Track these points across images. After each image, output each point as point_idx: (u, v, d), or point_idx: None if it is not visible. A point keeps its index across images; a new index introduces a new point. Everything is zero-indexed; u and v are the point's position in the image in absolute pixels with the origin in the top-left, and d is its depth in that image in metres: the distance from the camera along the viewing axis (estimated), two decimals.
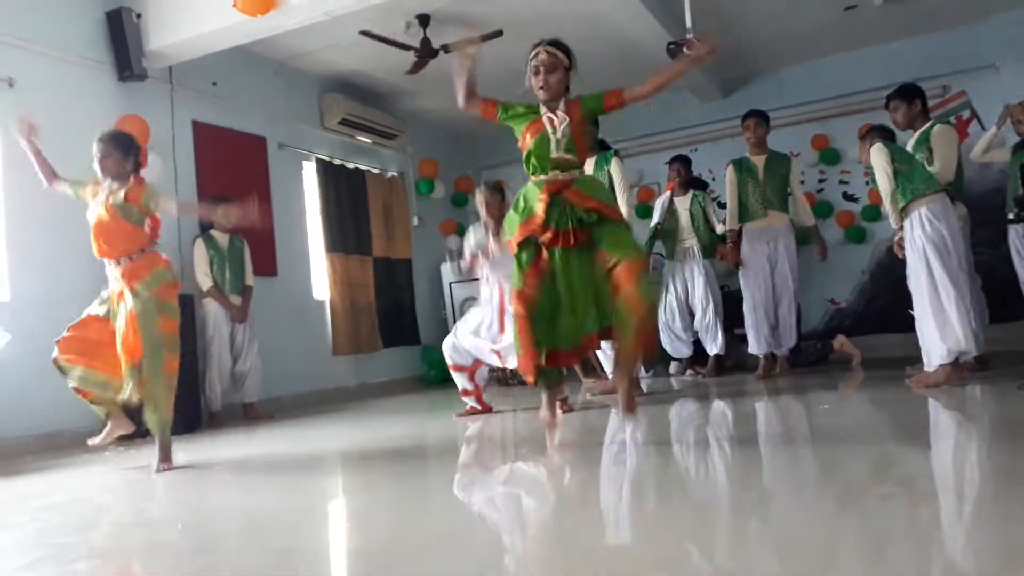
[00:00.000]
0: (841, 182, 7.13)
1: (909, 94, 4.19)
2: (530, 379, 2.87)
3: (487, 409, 4.28)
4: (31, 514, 2.58)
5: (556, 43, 3.01)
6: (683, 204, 5.66)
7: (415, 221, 7.72)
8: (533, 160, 2.92)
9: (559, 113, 2.92)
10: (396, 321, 7.16)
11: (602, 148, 4.69)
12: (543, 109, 2.94)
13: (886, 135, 4.42)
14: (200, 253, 5.08)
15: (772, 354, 5.17)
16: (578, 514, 2.09)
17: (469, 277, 4.18)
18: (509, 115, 2.99)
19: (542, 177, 2.89)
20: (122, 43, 4.86)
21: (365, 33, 5.40)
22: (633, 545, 1.74)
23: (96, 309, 3.29)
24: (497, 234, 4.17)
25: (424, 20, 5.54)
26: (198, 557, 1.92)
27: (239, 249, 5.26)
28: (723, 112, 7.46)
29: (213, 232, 5.16)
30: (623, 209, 4.38)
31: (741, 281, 5.19)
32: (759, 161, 5.15)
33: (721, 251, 5.46)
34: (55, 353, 3.19)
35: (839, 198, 7.12)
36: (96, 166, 3.28)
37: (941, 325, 3.72)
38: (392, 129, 7.20)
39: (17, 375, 4.06)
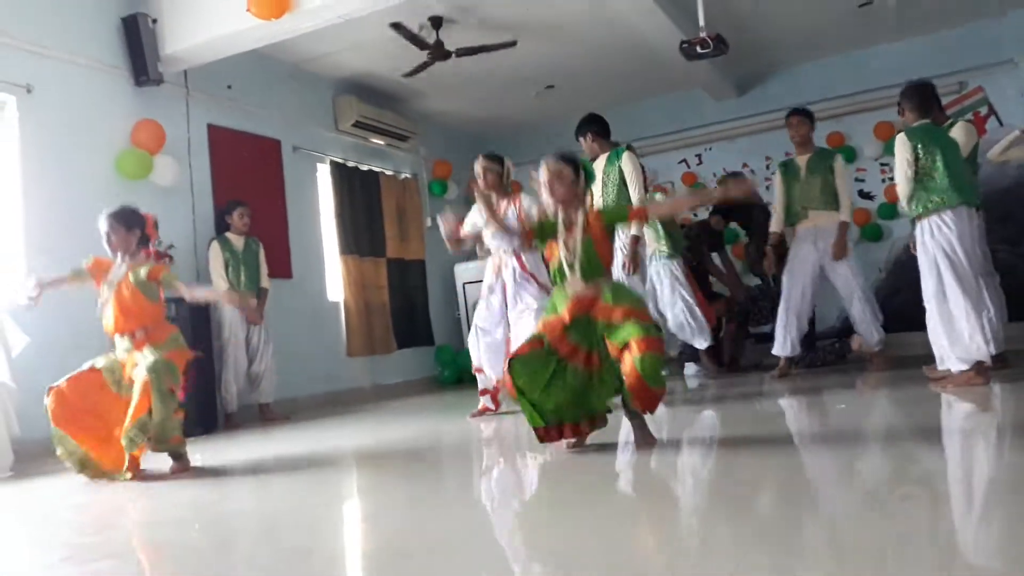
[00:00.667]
0: (857, 180, 7.07)
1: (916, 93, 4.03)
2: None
3: (496, 409, 4.28)
4: (52, 515, 2.61)
5: (562, 157, 2.91)
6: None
7: (428, 222, 7.73)
8: (555, 274, 2.90)
9: (575, 232, 2.81)
10: (410, 322, 7.18)
11: (614, 145, 4.67)
12: (560, 226, 2.85)
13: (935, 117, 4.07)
14: (215, 255, 5.12)
15: (790, 359, 5.06)
16: (591, 516, 2.09)
17: (454, 244, 3.93)
18: (540, 235, 2.93)
19: (564, 288, 2.82)
20: (138, 48, 4.91)
21: (396, 26, 5.32)
22: (647, 547, 1.74)
23: (100, 364, 3.26)
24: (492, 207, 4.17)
25: (437, 22, 5.55)
26: (216, 557, 1.93)
27: (254, 251, 5.29)
28: (737, 110, 7.43)
29: (228, 235, 5.20)
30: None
31: (783, 281, 5.10)
32: (802, 161, 5.02)
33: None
34: (48, 403, 3.13)
35: (855, 196, 7.03)
36: (104, 244, 3.32)
37: (950, 332, 3.67)
38: (405, 131, 7.22)
39: (37, 377, 4.08)
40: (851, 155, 7.06)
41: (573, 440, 2.88)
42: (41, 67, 4.49)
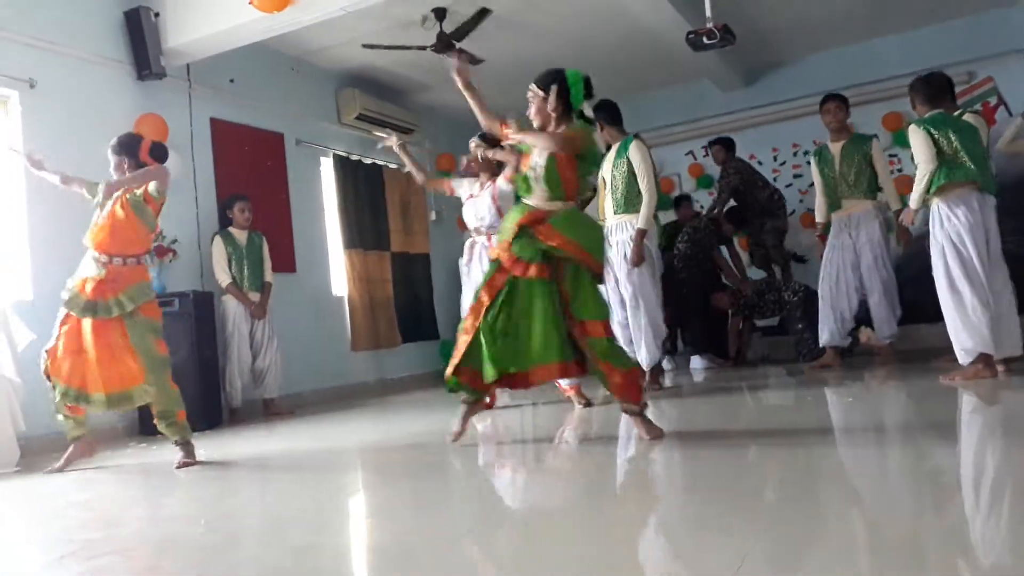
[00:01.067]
0: None
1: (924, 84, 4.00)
2: (448, 384, 2.97)
3: (490, 405, 4.21)
4: (57, 511, 2.60)
5: (540, 78, 3.13)
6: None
7: (433, 216, 7.71)
8: (521, 183, 2.99)
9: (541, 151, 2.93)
10: (414, 316, 7.16)
11: (624, 134, 4.62)
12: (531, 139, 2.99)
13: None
14: (219, 249, 5.10)
15: (837, 347, 4.99)
16: (598, 511, 2.07)
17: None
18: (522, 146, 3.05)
19: (524, 202, 2.95)
20: (140, 42, 4.88)
21: (368, 46, 5.38)
22: (652, 542, 1.72)
23: (65, 298, 3.34)
24: (482, 183, 4.25)
25: (440, 14, 5.51)
26: (221, 553, 1.92)
27: (258, 246, 5.28)
28: (745, 101, 7.38)
29: (232, 229, 5.18)
30: (644, 197, 4.31)
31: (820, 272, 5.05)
32: (836, 148, 4.93)
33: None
34: (44, 364, 3.28)
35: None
36: (112, 169, 3.43)
37: (955, 324, 3.66)
38: (408, 124, 7.18)
39: (41, 374, 4.09)
40: None
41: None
42: (44, 61, 4.47)
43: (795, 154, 7.29)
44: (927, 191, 3.76)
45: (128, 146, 3.42)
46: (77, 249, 4.48)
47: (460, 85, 3.17)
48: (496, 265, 2.92)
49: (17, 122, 4.36)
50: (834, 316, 4.91)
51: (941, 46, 6.49)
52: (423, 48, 5.58)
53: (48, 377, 3.31)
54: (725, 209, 6.26)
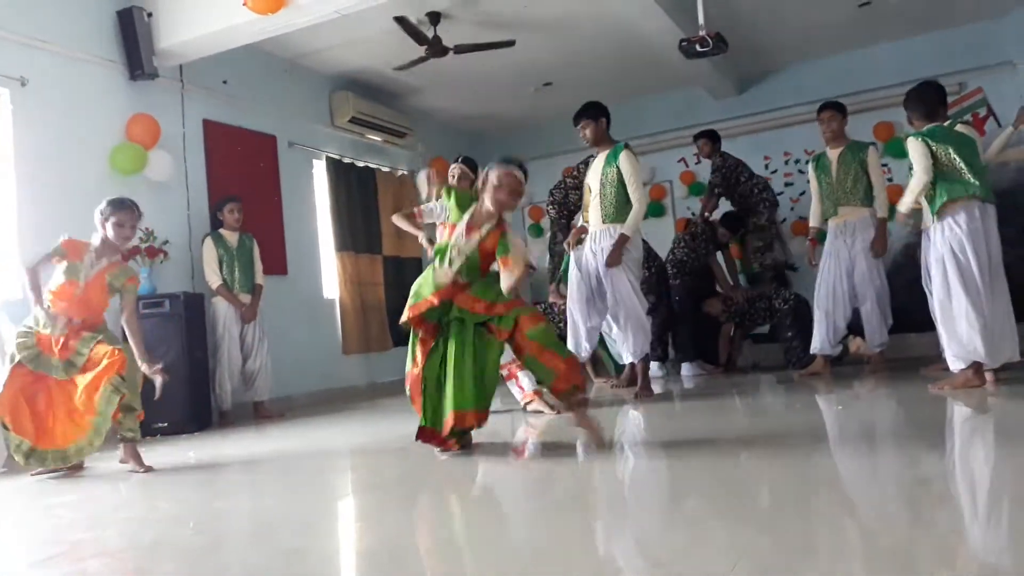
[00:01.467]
0: None
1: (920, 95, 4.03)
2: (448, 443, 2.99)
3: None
4: (44, 511, 2.58)
5: (524, 170, 3.02)
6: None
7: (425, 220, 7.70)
8: (436, 253, 3.01)
9: (473, 234, 2.92)
10: None
11: (613, 141, 4.62)
12: (466, 217, 2.95)
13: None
14: (209, 252, 5.08)
15: (827, 355, 5.00)
16: (588, 514, 2.07)
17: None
18: (449, 197, 3.03)
19: (440, 273, 2.94)
20: (133, 42, 4.87)
21: (400, 19, 5.26)
22: (645, 545, 1.72)
23: (19, 357, 3.26)
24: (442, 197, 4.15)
25: (435, 18, 5.52)
26: (209, 556, 1.90)
27: (249, 248, 5.26)
28: (738, 109, 7.42)
29: (222, 231, 5.16)
30: (634, 206, 4.29)
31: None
32: (833, 155, 4.95)
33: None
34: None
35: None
36: (110, 230, 3.34)
37: (950, 332, 3.68)
38: (402, 127, 7.18)
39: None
40: None
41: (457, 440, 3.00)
42: (36, 60, 4.45)
43: (787, 162, 7.33)
44: (924, 200, 3.78)
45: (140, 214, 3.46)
46: None
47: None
48: (417, 335, 3.04)
49: (8, 120, 4.33)
50: (827, 324, 4.92)
51: (932, 57, 6.55)
52: (433, 56, 5.58)
53: (4, 426, 3.23)
54: (721, 215, 6.25)
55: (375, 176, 7.08)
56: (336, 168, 6.64)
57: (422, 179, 4.27)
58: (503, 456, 3.08)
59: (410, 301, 3.00)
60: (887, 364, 5.03)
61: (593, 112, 4.44)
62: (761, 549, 1.56)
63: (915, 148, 3.80)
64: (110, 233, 3.34)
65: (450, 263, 2.91)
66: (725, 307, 5.85)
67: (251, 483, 2.91)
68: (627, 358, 4.51)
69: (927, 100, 3.98)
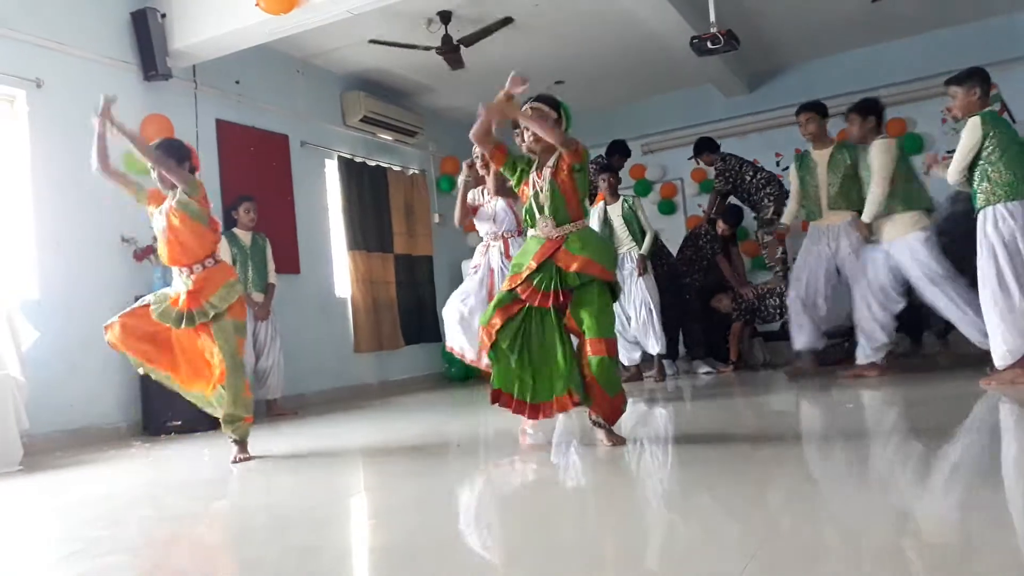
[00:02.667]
0: None
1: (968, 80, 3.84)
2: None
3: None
4: (61, 509, 2.61)
5: (542, 97, 3.07)
6: (615, 211, 5.47)
7: (436, 218, 7.73)
8: (526, 217, 2.99)
9: (545, 171, 2.93)
10: (418, 318, 7.17)
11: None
12: (534, 166, 2.99)
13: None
14: (223, 250, 5.10)
15: (813, 352, 4.94)
16: (598, 511, 2.07)
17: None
18: (510, 169, 3.05)
19: (536, 233, 2.94)
20: (147, 43, 4.90)
21: (375, 41, 5.38)
22: (659, 544, 1.72)
23: (148, 299, 3.36)
24: (485, 183, 4.23)
25: (446, 17, 5.53)
26: (225, 552, 1.93)
27: (262, 247, 5.29)
28: (748, 106, 7.39)
29: (236, 230, 5.20)
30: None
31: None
32: (820, 156, 4.77)
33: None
34: (108, 336, 3.29)
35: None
36: (155, 178, 3.36)
37: (998, 326, 3.60)
38: (413, 126, 7.20)
39: (47, 371, 4.11)
40: None
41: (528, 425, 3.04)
42: (51, 61, 4.49)
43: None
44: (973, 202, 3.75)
45: (186, 152, 3.44)
46: (83, 249, 4.53)
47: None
48: (511, 295, 2.92)
49: (23, 121, 4.38)
50: (809, 317, 4.78)
51: (944, 53, 6.49)
52: (428, 48, 5.59)
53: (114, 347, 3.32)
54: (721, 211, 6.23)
55: (387, 175, 7.10)
56: (348, 167, 6.67)
57: (461, 179, 4.35)
58: (514, 453, 3.10)
59: (510, 272, 3.00)
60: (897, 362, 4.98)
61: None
62: (772, 549, 1.56)
63: (971, 133, 3.65)
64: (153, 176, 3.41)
65: (540, 210, 2.90)
66: (735, 304, 5.83)
67: (264, 480, 2.94)
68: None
69: (986, 80, 3.82)
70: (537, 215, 2.93)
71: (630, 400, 3.13)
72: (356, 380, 6.40)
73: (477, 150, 4.21)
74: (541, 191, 2.91)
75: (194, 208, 3.28)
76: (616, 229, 5.41)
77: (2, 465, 3.49)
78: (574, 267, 2.82)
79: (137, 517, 2.43)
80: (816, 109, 4.86)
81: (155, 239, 4.59)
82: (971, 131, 3.68)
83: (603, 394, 2.82)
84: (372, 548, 1.94)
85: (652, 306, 5.28)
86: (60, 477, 3.28)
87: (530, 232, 3.00)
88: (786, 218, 5.08)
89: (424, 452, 3.32)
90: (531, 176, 2.96)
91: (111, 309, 4.58)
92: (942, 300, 4.25)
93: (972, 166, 3.71)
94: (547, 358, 2.90)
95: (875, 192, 4.39)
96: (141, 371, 3.39)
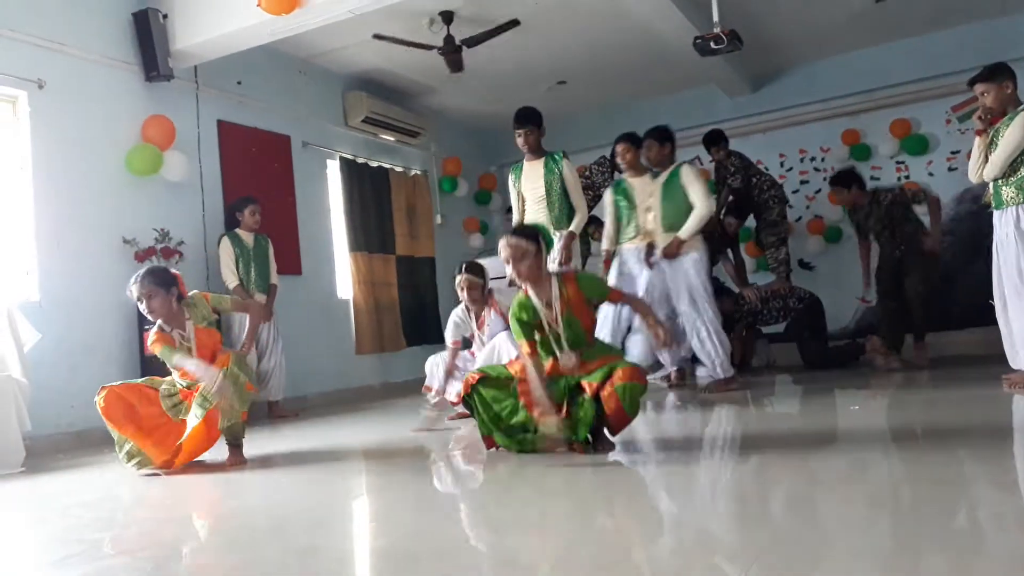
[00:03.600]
0: (872, 178, 6.99)
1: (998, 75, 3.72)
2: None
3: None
4: (63, 511, 2.60)
5: (519, 232, 2.89)
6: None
7: (438, 219, 7.72)
8: (541, 351, 2.86)
9: (554, 309, 2.80)
10: (419, 320, 7.16)
11: (544, 150, 4.62)
12: (536, 302, 2.83)
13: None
14: (226, 251, 5.10)
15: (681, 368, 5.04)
16: (599, 514, 2.06)
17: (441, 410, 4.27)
18: (528, 333, 2.86)
19: (565, 359, 2.82)
20: (148, 43, 4.90)
21: (379, 36, 5.36)
22: (658, 549, 1.70)
23: (158, 383, 3.30)
24: (479, 316, 4.32)
25: (448, 17, 5.52)
26: (225, 555, 1.91)
27: (264, 248, 5.28)
28: (752, 107, 7.38)
29: (239, 231, 5.19)
30: (579, 214, 4.50)
31: None
32: (637, 183, 4.70)
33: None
34: (99, 400, 3.18)
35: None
36: (144, 310, 3.22)
37: (1021, 328, 3.53)
38: (415, 127, 7.19)
39: (47, 373, 4.11)
40: (866, 152, 7.00)
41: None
42: (52, 62, 4.49)
43: (802, 160, 7.28)
44: (995, 190, 3.67)
45: (172, 278, 3.28)
46: (83, 250, 4.52)
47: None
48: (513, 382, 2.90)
49: (25, 122, 4.37)
50: (644, 339, 4.67)
51: (948, 53, 6.47)
52: (431, 48, 5.58)
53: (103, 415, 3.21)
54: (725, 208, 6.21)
55: (389, 176, 7.09)
56: (350, 168, 6.66)
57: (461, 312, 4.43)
58: (514, 458, 3.08)
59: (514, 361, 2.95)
60: (902, 364, 4.96)
61: (538, 119, 4.49)
62: (774, 553, 1.54)
63: (1021, 128, 3.51)
64: (147, 313, 3.24)
65: (560, 346, 2.81)
66: (738, 306, 5.81)
67: (266, 482, 2.93)
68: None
69: (1015, 76, 3.71)
70: (556, 350, 2.82)
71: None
72: (358, 382, 6.39)
73: (461, 281, 4.27)
74: (556, 327, 2.80)
75: (209, 322, 3.29)
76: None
77: (4, 467, 3.48)
78: (593, 367, 2.76)
79: (137, 519, 2.42)
80: (632, 141, 4.73)
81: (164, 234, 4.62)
82: (1018, 127, 3.52)
83: (622, 414, 2.70)
84: (373, 550, 1.93)
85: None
86: (61, 479, 3.27)
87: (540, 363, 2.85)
88: (607, 244, 4.87)
89: (425, 454, 3.30)
90: (542, 320, 2.82)
91: (112, 310, 4.60)
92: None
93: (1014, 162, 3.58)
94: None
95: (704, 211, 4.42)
96: (123, 454, 3.22)
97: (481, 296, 4.30)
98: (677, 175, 4.53)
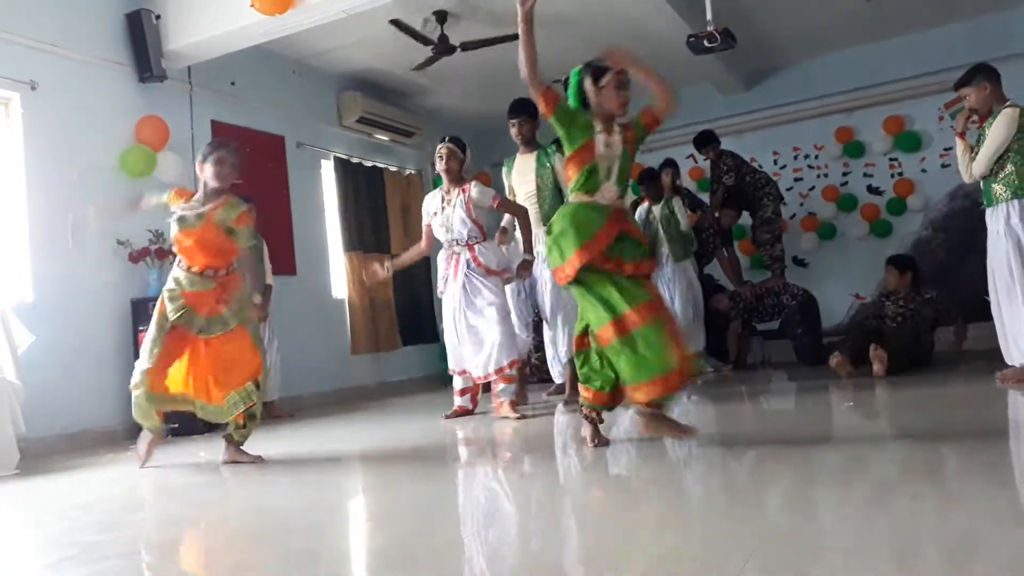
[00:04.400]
0: (866, 175, 7.02)
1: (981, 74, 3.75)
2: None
3: (470, 411, 4.26)
4: (58, 513, 2.59)
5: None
6: (655, 212, 5.57)
7: None
8: (589, 181, 2.70)
9: (615, 135, 2.72)
10: (415, 319, 7.15)
11: (537, 143, 4.51)
12: (598, 127, 2.73)
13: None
14: None
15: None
16: (597, 511, 2.06)
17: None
18: (567, 121, 2.75)
19: (594, 200, 2.68)
20: (142, 44, 4.88)
21: (395, 22, 5.30)
22: (659, 544, 1.71)
23: (171, 315, 3.20)
24: (448, 191, 4.06)
25: (441, 16, 5.52)
26: (222, 556, 1.91)
27: (258, 248, 5.26)
28: (746, 105, 7.39)
29: None
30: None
31: None
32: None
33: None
34: (144, 386, 3.18)
35: (864, 191, 7.01)
36: (209, 171, 3.17)
37: (1013, 325, 3.56)
38: (409, 127, 7.18)
39: (42, 375, 4.09)
40: (860, 150, 7.01)
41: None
42: (45, 64, 4.47)
43: (796, 157, 7.30)
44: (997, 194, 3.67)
45: (241, 159, 3.27)
46: (77, 252, 4.50)
47: (521, 16, 2.83)
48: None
49: (18, 124, 4.36)
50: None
51: (942, 49, 6.49)
52: (437, 44, 5.57)
53: (147, 394, 3.20)
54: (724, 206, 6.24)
55: (383, 176, 7.09)
56: (344, 168, 6.65)
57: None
58: (508, 456, 3.08)
59: (575, 245, 2.59)
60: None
61: (532, 110, 4.26)
62: (771, 549, 1.55)
63: (1006, 125, 3.56)
64: (208, 174, 3.16)
65: (607, 176, 2.68)
66: (732, 303, 5.83)
67: (262, 483, 2.92)
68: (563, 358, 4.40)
69: (994, 74, 3.74)
70: (602, 180, 2.68)
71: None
72: (353, 382, 6.39)
73: (442, 149, 4.07)
74: (614, 155, 2.70)
75: (235, 231, 3.22)
76: (658, 230, 5.56)
77: None
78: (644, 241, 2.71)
79: (133, 521, 2.41)
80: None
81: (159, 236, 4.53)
82: (1007, 123, 3.57)
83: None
84: (370, 550, 1.93)
85: (696, 305, 5.48)
86: (56, 481, 3.26)
87: (579, 198, 2.71)
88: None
89: (422, 453, 3.30)
90: (598, 137, 2.70)
91: (106, 312, 4.59)
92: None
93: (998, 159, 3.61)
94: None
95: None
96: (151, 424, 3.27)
97: (458, 171, 4.08)
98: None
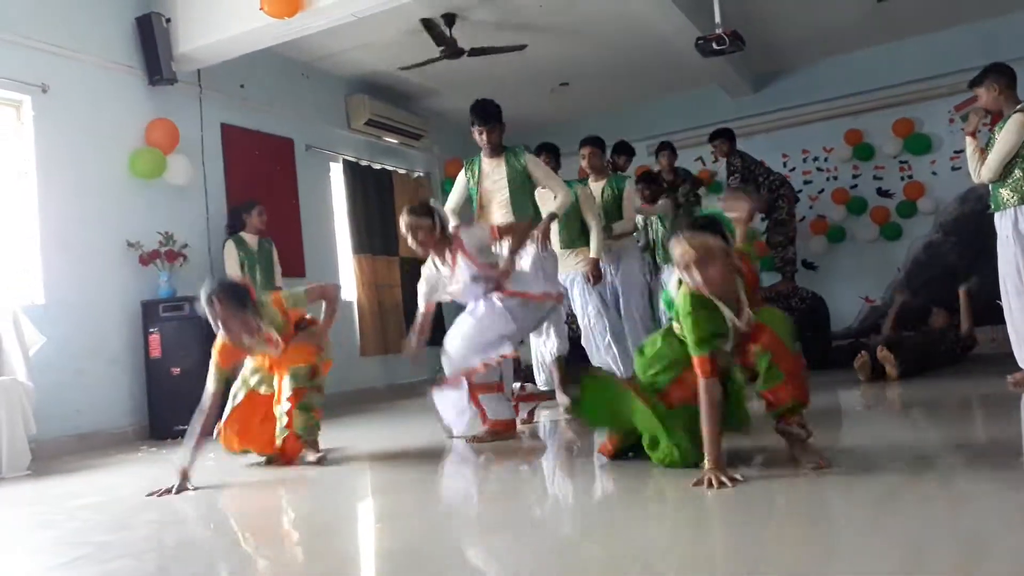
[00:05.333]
0: (875, 178, 7.00)
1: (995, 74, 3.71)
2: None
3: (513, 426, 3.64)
4: (69, 513, 2.61)
5: (700, 227, 2.23)
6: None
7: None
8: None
9: (743, 302, 2.30)
10: None
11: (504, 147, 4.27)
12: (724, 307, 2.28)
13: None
14: (231, 254, 5.11)
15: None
16: (604, 516, 2.06)
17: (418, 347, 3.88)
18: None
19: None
20: (152, 47, 4.92)
21: (405, 68, 5.42)
22: (660, 548, 1.70)
23: (253, 384, 3.35)
24: (442, 258, 3.59)
25: (450, 20, 5.53)
26: (231, 556, 1.92)
27: (268, 251, 5.29)
28: (754, 107, 7.38)
29: (243, 234, 5.20)
30: (561, 197, 4.17)
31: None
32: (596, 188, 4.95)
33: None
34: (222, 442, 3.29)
35: (873, 194, 6.99)
36: (220, 329, 3.00)
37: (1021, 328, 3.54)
38: (418, 129, 7.20)
39: (53, 377, 4.12)
40: (869, 152, 6.99)
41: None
42: (56, 67, 4.50)
43: (804, 160, 7.28)
44: (994, 192, 3.66)
45: (246, 292, 3.11)
46: (88, 254, 4.53)
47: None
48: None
49: (29, 127, 4.39)
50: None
51: (951, 52, 6.47)
52: (447, 58, 5.60)
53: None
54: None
55: (391, 178, 7.11)
56: (353, 170, 6.67)
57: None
58: (524, 459, 3.08)
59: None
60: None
61: (500, 115, 4.13)
62: (773, 560, 1.54)
63: (1017, 129, 3.51)
64: (236, 340, 3.05)
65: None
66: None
67: (270, 484, 2.93)
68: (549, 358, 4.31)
69: (1007, 73, 3.69)
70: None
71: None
72: (362, 383, 6.39)
73: (403, 224, 3.55)
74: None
75: (283, 326, 3.29)
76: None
77: (10, 470, 3.49)
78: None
79: (144, 522, 2.42)
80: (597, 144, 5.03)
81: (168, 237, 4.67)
82: (1018, 129, 3.52)
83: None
84: (378, 552, 1.93)
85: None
86: (67, 482, 3.28)
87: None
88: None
89: (431, 455, 3.30)
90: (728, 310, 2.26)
91: (117, 313, 4.61)
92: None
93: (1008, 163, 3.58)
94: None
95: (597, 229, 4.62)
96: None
97: (433, 238, 3.49)
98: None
